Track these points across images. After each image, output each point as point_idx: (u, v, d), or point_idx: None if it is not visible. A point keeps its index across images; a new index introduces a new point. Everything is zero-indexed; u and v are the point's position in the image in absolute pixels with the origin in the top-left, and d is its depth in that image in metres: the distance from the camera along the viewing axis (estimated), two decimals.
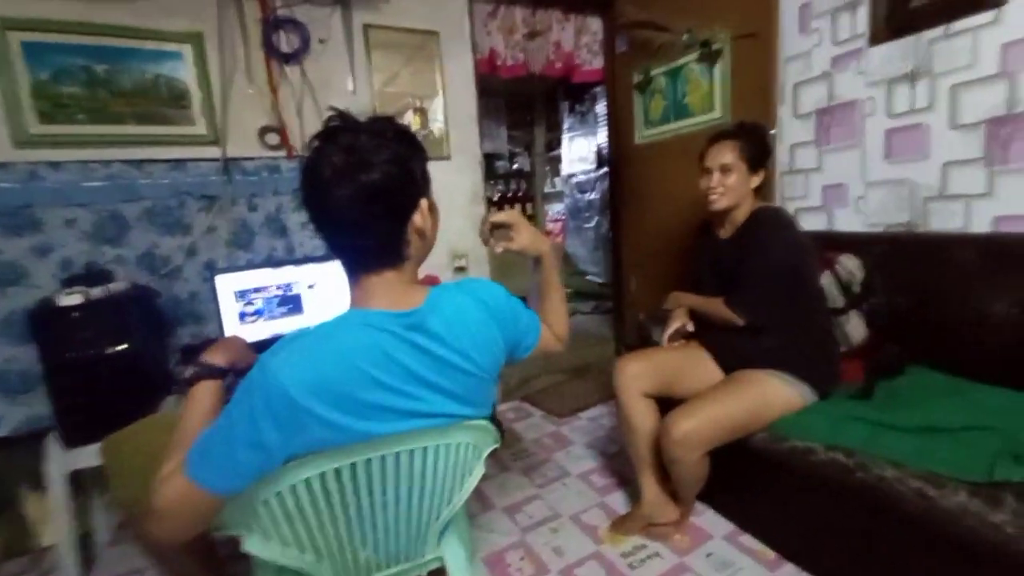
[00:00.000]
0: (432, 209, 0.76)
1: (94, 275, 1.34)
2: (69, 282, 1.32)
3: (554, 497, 1.66)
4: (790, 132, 1.96)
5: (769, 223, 1.36)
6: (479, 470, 0.86)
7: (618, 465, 1.81)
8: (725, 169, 1.38)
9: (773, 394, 1.29)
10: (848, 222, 1.82)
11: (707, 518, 1.49)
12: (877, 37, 1.65)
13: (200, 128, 1.70)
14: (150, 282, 1.64)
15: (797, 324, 1.35)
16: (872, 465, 1.09)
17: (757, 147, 1.40)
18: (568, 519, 1.54)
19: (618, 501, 1.61)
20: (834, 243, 1.64)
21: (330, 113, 0.71)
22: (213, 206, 1.73)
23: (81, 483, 1.53)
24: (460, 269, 2.26)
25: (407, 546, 0.85)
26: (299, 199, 0.72)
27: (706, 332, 1.50)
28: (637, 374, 1.40)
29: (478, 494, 1.71)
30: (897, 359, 1.42)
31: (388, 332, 0.69)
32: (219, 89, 1.71)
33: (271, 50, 1.78)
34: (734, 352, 1.41)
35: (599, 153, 4.04)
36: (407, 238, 0.73)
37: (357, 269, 0.74)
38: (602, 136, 3.67)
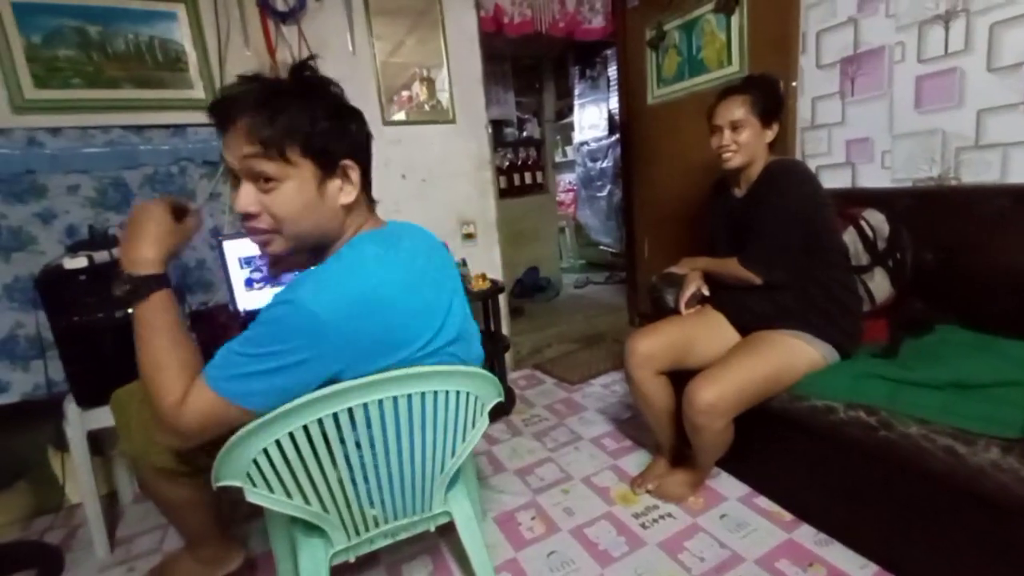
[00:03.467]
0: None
1: (98, 240, 1.32)
2: (74, 247, 1.31)
3: (566, 460, 1.65)
4: (812, 84, 1.86)
5: (784, 176, 1.30)
6: (483, 422, 0.84)
7: (630, 429, 1.79)
8: (736, 126, 1.32)
9: (796, 356, 1.24)
10: (873, 178, 1.73)
11: (721, 480, 1.47)
12: None
13: (198, 92, 1.66)
14: None
15: (815, 280, 1.29)
16: (896, 423, 1.04)
17: (768, 99, 1.33)
18: (580, 481, 1.53)
19: (630, 464, 1.59)
20: (858, 199, 1.56)
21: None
22: (216, 172, 1.70)
23: (101, 443, 1.56)
24: (468, 236, 2.21)
25: (412, 499, 0.84)
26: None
27: (720, 294, 1.45)
28: (650, 354, 1.35)
29: (489, 457, 1.71)
30: (923, 316, 1.36)
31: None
32: (216, 51, 1.66)
33: (267, 8, 1.72)
34: (750, 311, 1.35)
35: (611, 118, 3.92)
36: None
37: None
38: (614, 101, 3.55)
